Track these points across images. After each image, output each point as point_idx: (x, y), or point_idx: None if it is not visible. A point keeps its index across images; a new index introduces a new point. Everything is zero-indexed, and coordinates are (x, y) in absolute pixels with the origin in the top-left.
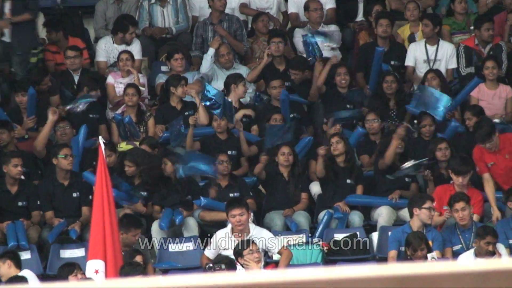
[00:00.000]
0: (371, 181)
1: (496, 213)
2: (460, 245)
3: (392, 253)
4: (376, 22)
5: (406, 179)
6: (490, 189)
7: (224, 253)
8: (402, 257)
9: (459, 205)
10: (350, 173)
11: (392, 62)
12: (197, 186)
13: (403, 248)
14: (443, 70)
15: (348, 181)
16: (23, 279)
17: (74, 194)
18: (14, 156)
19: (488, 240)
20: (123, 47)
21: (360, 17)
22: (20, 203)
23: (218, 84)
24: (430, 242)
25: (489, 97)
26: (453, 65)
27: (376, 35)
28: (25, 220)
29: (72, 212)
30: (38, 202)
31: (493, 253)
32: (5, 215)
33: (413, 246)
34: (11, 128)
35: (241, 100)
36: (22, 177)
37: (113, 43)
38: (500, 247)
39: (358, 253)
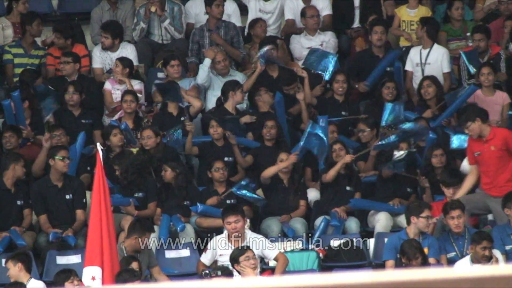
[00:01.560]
0: (370, 189)
1: (458, 194)
2: (454, 253)
3: (390, 263)
4: (370, 29)
5: (408, 189)
6: (470, 179)
7: (221, 258)
8: (397, 264)
9: (455, 212)
10: (349, 180)
11: (388, 69)
12: (195, 192)
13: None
14: (435, 74)
15: (348, 188)
16: (21, 285)
17: (67, 196)
18: (21, 157)
19: (484, 245)
20: (117, 53)
21: (356, 23)
22: (19, 202)
23: (215, 92)
24: (426, 250)
25: (485, 103)
26: (446, 69)
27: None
28: (17, 227)
29: (64, 215)
30: (30, 202)
31: (489, 258)
32: (4, 214)
33: (408, 256)
34: (20, 134)
35: (237, 106)
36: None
37: (103, 50)
38: (497, 253)
39: (355, 259)
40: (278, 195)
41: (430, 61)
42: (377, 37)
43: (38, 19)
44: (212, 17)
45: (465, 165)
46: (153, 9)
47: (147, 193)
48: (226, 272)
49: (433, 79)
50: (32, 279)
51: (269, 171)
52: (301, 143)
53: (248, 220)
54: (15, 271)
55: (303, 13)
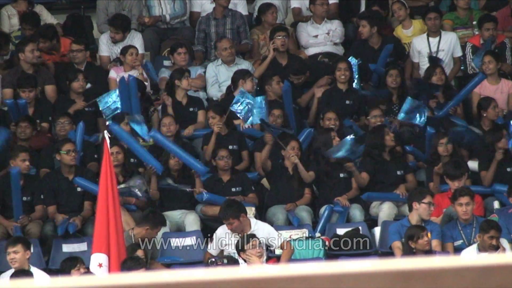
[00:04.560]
0: (373, 172)
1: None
2: (461, 241)
3: (397, 243)
4: (358, 23)
5: (398, 173)
6: None
7: (226, 249)
8: (406, 249)
9: (464, 199)
10: (341, 166)
11: (388, 59)
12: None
13: (402, 240)
14: (447, 60)
15: (341, 175)
16: (29, 273)
17: (79, 189)
18: (22, 150)
19: (492, 234)
20: (123, 43)
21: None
22: (24, 198)
23: (220, 81)
24: (429, 234)
25: (490, 92)
26: (459, 53)
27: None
28: (25, 216)
29: (75, 207)
30: (42, 197)
31: (496, 247)
32: (9, 209)
33: (417, 234)
34: (34, 125)
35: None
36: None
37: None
38: (503, 242)
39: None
40: (283, 183)
41: (443, 47)
42: (361, 30)
43: (31, 45)
44: (219, 5)
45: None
46: None
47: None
48: (232, 261)
49: (442, 67)
50: (31, 267)
51: (262, 155)
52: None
53: (253, 209)
54: (24, 257)
55: (312, 0)
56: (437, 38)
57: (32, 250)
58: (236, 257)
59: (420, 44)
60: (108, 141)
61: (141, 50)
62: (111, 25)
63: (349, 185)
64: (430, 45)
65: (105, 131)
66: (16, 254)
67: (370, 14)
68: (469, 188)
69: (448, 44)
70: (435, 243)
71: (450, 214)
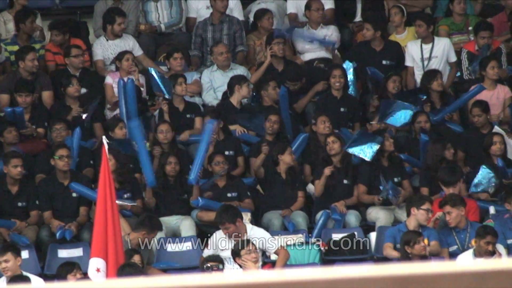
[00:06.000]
0: (370, 182)
1: None
2: (456, 246)
3: (389, 245)
4: (363, 26)
5: (395, 179)
6: None
7: (223, 253)
8: (402, 254)
9: (445, 208)
10: (346, 173)
11: (384, 62)
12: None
13: (398, 246)
14: (441, 67)
15: (345, 181)
16: (26, 279)
17: (74, 194)
18: (14, 156)
19: (488, 240)
20: (117, 42)
21: (358, 17)
22: (19, 204)
23: (216, 86)
24: (426, 240)
25: (487, 97)
26: (453, 58)
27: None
28: (19, 221)
29: (71, 212)
30: (37, 202)
31: (493, 253)
32: (4, 215)
33: (413, 239)
34: (17, 129)
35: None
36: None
37: (107, 40)
38: (500, 248)
39: (356, 253)
40: (277, 188)
41: (436, 54)
42: (364, 33)
43: (32, 17)
44: (216, 11)
45: None
46: None
47: (133, 192)
48: (222, 263)
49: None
50: (23, 273)
51: (255, 163)
52: None
53: (249, 214)
54: (16, 264)
55: (308, 6)
56: (430, 45)
57: (22, 256)
58: (227, 261)
59: (414, 50)
60: (106, 146)
61: (139, 52)
62: (116, 15)
63: (350, 192)
64: (423, 52)
65: (103, 137)
66: (7, 263)
67: (374, 18)
68: (451, 195)
69: (441, 51)
70: (433, 243)
71: (444, 220)
